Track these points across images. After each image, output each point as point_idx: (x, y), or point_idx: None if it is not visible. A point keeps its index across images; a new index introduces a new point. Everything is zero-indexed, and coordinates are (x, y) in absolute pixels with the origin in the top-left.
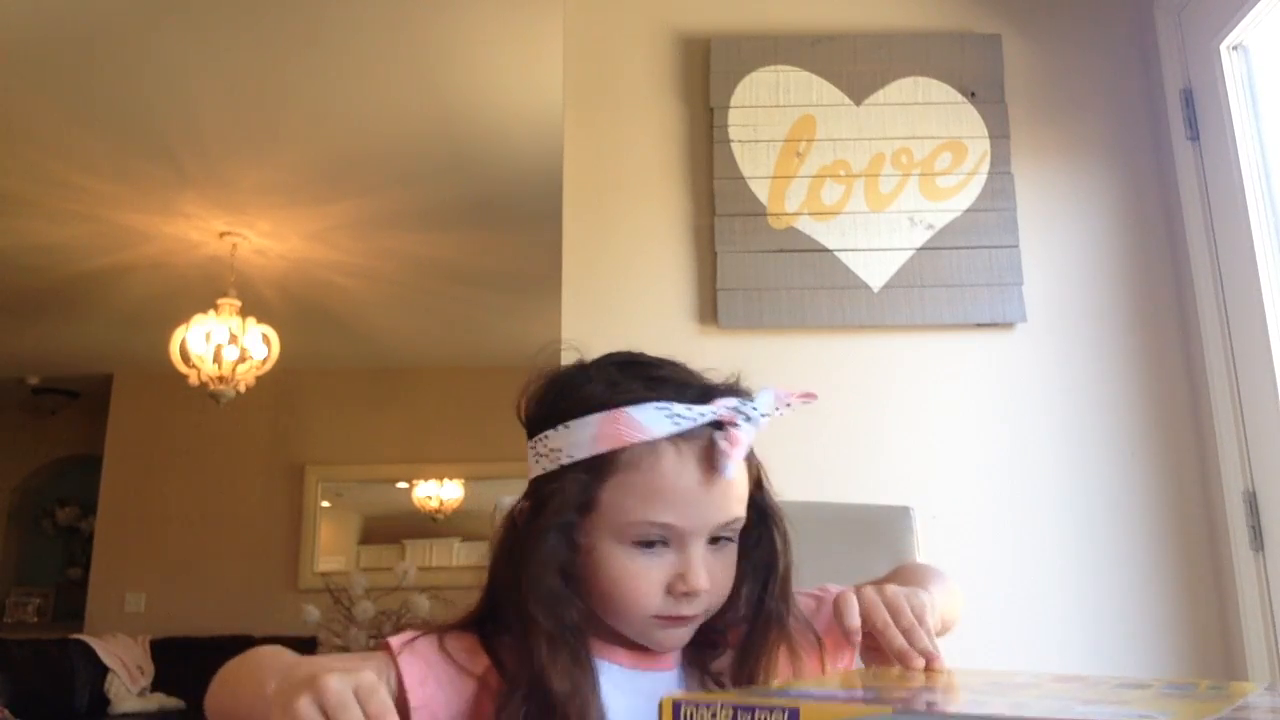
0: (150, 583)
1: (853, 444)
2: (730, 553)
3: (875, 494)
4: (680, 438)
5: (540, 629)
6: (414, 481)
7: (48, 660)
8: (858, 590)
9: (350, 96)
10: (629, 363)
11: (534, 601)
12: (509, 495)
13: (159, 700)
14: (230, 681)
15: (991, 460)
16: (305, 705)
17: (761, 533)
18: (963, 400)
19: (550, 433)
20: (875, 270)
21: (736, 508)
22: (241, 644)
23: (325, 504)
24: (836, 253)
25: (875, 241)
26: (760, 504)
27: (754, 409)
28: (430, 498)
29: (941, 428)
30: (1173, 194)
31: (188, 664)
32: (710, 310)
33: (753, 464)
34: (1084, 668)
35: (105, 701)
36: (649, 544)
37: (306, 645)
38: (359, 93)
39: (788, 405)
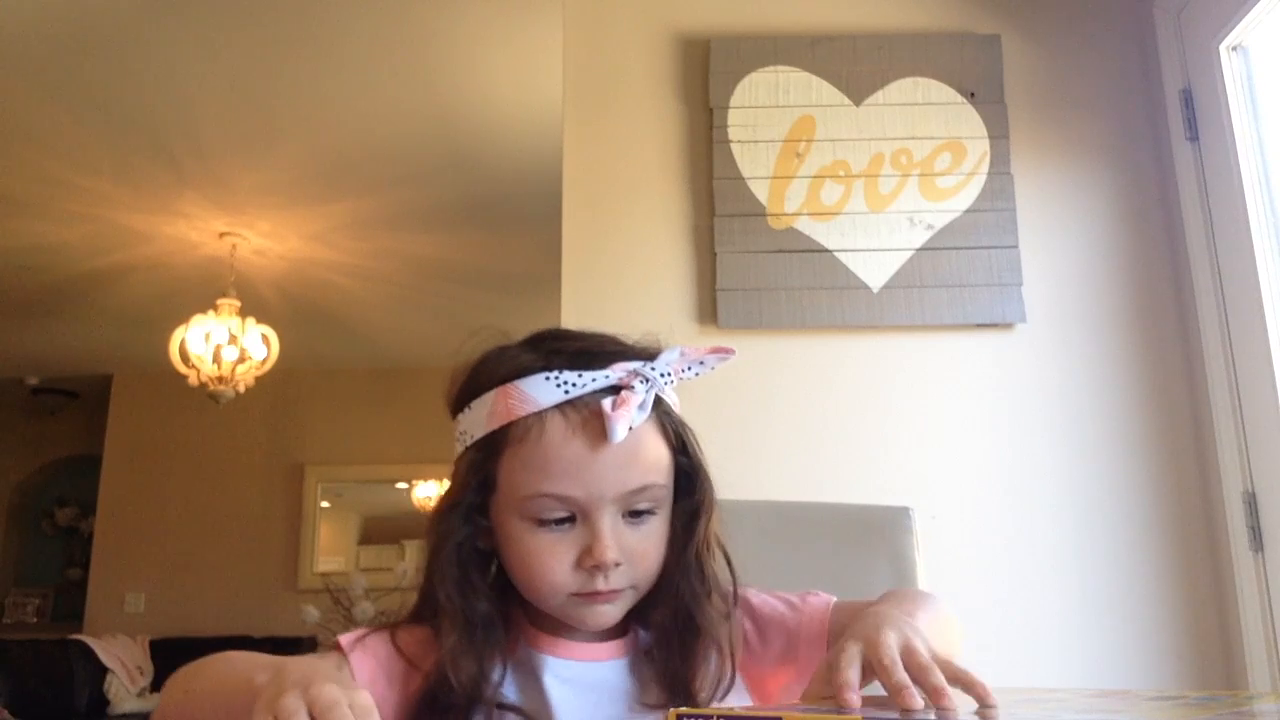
0: (150, 583)
1: (853, 444)
2: (654, 525)
3: (875, 494)
4: (569, 406)
5: (446, 615)
6: (414, 481)
7: (47, 661)
8: (873, 642)
9: (349, 97)
10: (540, 337)
11: (438, 584)
12: None
13: (158, 700)
14: (195, 680)
15: (991, 460)
16: (292, 699)
17: (687, 501)
18: (962, 400)
19: (460, 416)
20: (875, 270)
21: (644, 475)
22: (241, 644)
23: (325, 504)
24: (836, 253)
25: (875, 242)
26: (686, 470)
27: (653, 369)
28: (430, 498)
29: (941, 428)
30: (1172, 194)
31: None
32: (710, 310)
33: (670, 428)
34: (1082, 667)
35: (105, 702)
36: (557, 520)
37: (306, 645)
38: (358, 93)
39: (700, 364)
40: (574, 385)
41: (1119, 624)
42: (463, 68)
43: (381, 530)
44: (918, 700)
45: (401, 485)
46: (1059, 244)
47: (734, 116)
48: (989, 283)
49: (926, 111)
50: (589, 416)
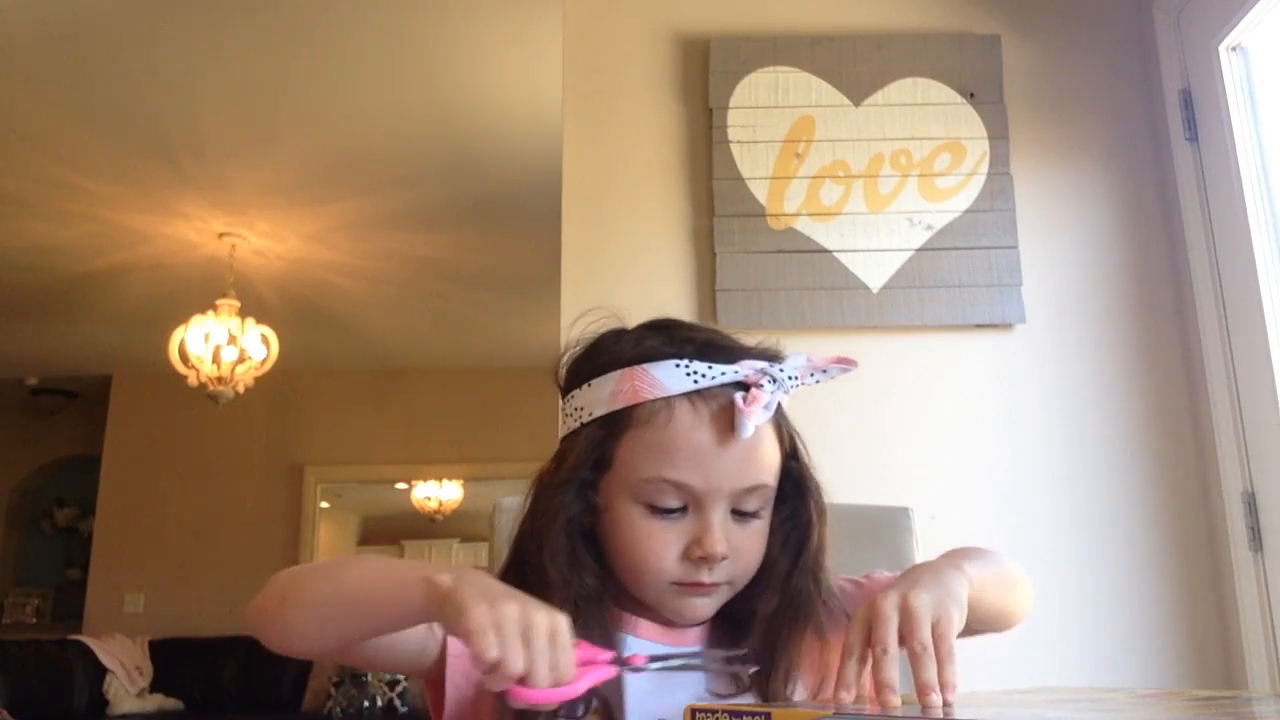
0: (149, 583)
1: (853, 444)
2: (758, 527)
3: (875, 494)
4: (698, 396)
5: (554, 590)
6: (413, 482)
7: (46, 661)
8: (873, 602)
9: (349, 97)
10: (662, 325)
11: (548, 559)
12: (509, 496)
13: (158, 701)
14: (341, 572)
15: (990, 461)
16: (514, 610)
17: (796, 506)
18: (962, 401)
19: (576, 392)
20: (874, 271)
21: (759, 474)
22: (241, 644)
23: (324, 505)
24: (836, 253)
25: (874, 242)
26: (795, 475)
27: (781, 371)
28: (429, 498)
29: (941, 428)
30: (1171, 195)
31: (186, 665)
32: (710, 311)
33: (785, 433)
34: (1082, 668)
35: (104, 702)
36: (669, 509)
37: None
38: (358, 93)
39: (823, 371)
40: (703, 376)
41: (1118, 624)
42: (463, 68)
43: (381, 530)
44: (895, 700)
45: (401, 486)
46: (1059, 244)
47: (734, 117)
48: (989, 283)
49: (926, 112)
50: (717, 410)
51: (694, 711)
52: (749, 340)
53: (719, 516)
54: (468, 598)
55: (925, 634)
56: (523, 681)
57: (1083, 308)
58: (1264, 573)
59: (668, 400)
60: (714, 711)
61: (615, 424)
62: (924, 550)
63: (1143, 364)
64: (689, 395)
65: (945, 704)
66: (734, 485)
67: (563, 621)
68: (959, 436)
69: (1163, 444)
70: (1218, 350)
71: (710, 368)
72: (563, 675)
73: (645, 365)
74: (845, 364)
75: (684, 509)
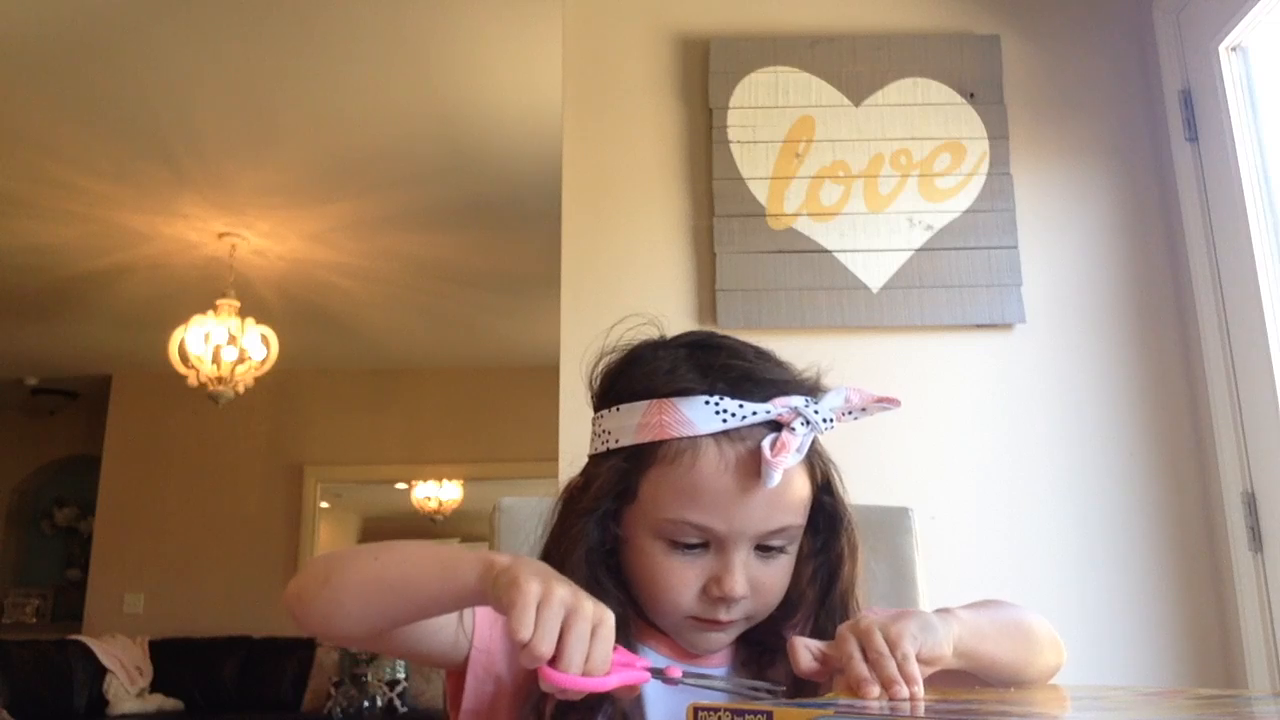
0: (149, 583)
1: (852, 444)
2: (782, 563)
3: (874, 494)
4: (726, 437)
5: None
6: (413, 482)
7: (46, 661)
8: (838, 630)
9: (349, 97)
10: (700, 346)
11: None
12: (509, 496)
13: (157, 701)
14: (383, 553)
15: (990, 461)
16: (566, 594)
17: (827, 539)
18: (962, 401)
19: (606, 412)
20: (874, 271)
21: (785, 517)
22: (240, 644)
23: (324, 505)
24: (836, 253)
25: (874, 242)
26: (827, 509)
27: (816, 412)
28: (429, 498)
29: (940, 428)
30: (1171, 195)
31: (186, 665)
32: (709, 311)
33: (817, 467)
34: (1081, 668)
35: (104, 702)
36: (690, 545)
37: (306, 646)
38: (358, 93)
39: (863, 410)
40: (733, 415)
41: (1118, 624)
42: (463, 68)
43: (381, 530)
44: (873, 691)
45: (401, 486)
46: (1058, 244)
47: (733, 117)
48: (988, 283)
49: (926, 112)
50: (744, 454)
51: (696, 710)
52: (794, 368)
53: (740, 557)
54: (522, 574)
55: (879, 643)
56: (555, 664)
57: (1083, 308)
58: (1264, 573)
59: (694, 440)
60: (716, 710)
61: (640, 458)
62: (923, 550)
63: (1143, 364)
64: (716, 436)
65: (911, 697)
66: (758, 529)
67: (609, 616)
68: (959, 436)
69: (1162, 444)
70: (1218, 350)
71: (741, 406)
72: (595, 667)
73: (675, 400)
74: (887, 403)
75: (705, 545)
